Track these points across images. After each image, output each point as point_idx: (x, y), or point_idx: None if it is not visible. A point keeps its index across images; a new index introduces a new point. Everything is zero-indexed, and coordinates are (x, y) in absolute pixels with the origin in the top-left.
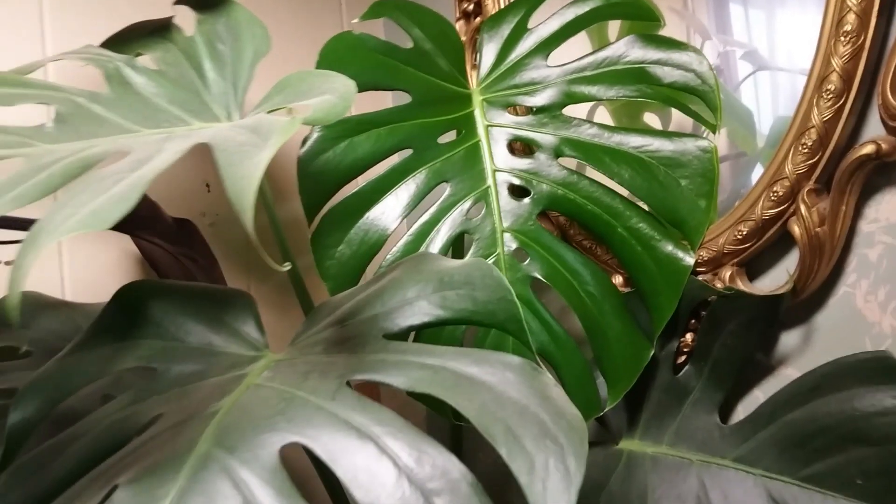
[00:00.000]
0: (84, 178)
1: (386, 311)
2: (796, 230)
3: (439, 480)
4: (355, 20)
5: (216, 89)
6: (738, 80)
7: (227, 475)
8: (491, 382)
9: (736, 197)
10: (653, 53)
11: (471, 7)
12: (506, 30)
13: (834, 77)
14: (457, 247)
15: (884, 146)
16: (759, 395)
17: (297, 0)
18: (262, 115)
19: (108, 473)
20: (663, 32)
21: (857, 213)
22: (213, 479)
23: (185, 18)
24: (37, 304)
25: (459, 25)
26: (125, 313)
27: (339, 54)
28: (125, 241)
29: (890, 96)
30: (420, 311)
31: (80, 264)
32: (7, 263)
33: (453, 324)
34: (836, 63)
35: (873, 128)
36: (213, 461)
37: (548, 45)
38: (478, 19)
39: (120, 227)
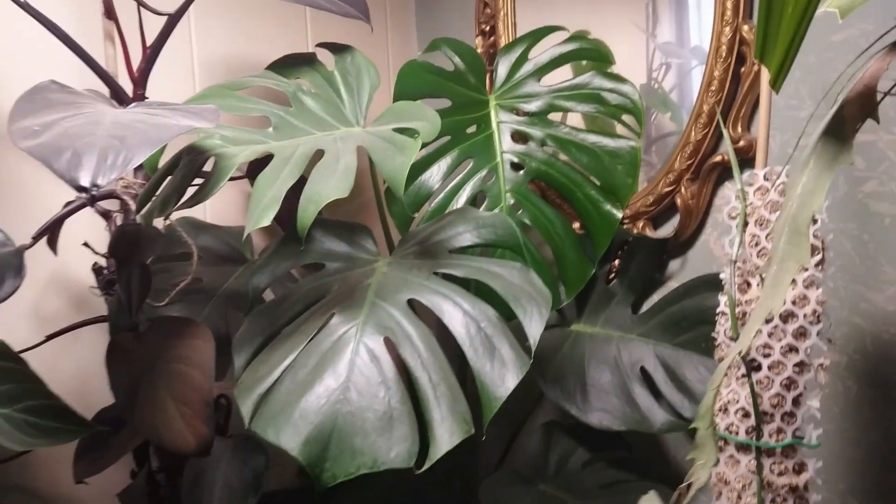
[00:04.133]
0: (316, 168)
1: (447, 237)
2: (679, 201)
3: (482, 316)
4: (419, 53)
5: (349, 107)
6: (677, 77)
7: (385, 310)
8: (506, 275)
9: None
10: (607, 84)
11: (488, 28)
12: (513, 56)
13: (704, 115)
14: (472, 202)
15: (726, 157)
16: (655, 297)
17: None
18: (390, 131)
19: (322, 310)
20: (619, 45)
21: (713, 194)
22: (379, 312)
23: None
24: (195, 226)
25: (478, 40)
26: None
27: (410, 74)
28: (245, 185)
29: (731, 131)
30: (466, 239)
31: (217, 199)
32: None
33: (484, 247)
34: (705, 108)
35: (724, 146)
36: (377, 304)
37: (541, 72)
38: (492, 38)
39: (251, 175)
